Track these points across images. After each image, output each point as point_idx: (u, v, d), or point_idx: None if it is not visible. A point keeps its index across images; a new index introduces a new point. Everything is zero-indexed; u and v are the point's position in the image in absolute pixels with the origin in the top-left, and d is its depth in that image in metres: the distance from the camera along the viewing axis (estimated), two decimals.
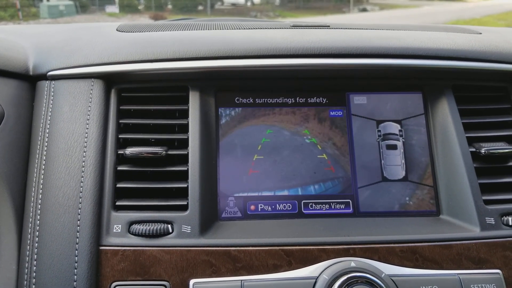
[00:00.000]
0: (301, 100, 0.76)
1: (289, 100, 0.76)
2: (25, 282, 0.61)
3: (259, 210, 0.70)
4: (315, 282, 0.59)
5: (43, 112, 0.69)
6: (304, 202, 0.71)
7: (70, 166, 0.65)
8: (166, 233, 0.63)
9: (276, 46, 0.72)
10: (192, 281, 0.60)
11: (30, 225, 0.63)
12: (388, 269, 0.61)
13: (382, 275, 0.59)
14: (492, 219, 0.66)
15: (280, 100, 0.75)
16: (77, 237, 0.61)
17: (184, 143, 0.70)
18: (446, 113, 0.74)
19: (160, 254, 0.62)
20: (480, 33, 0.90)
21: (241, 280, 0.60)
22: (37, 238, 0.62)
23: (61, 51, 0.74)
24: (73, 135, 0.67)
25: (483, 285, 0.61)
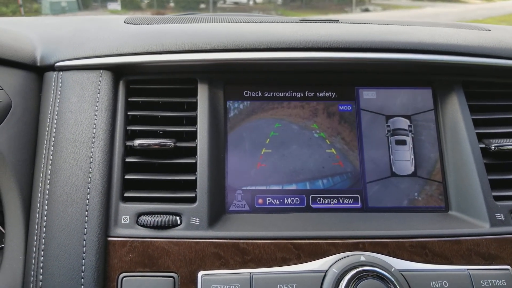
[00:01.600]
0: (310, 94, 0.75)
1: (298, 94, 0.75)
2: (33, 272, 0.60)
3: (267, 203, 0.70)
4: (325, 276, 0.59)
5: (51, 103, 0.69)
6: (312, 197, 0.70)
7: (78, 157, 0.65)
8: (174, 225, 0.63)
9: (285, 39, 0.72)
10: (200, 273, 0.60)
11: (37, 215, 0.63)
12: (398, 263, 0.61)
13: (392, 270, 0.59)
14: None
15: (288, 94, 0.75)
16: (85, 228, 0.61)
17: (193, 136, 0.70)
18: (456, 109, 0.73)
19: (169, 246, 0.61)
20: (490, 30, 0.90)
21: (250, 273, 0.60)
22: (44, 229, 0.62)
23: (69, 42, 0.74)
24: (81, 126, 0.67)
25: (493, 281, 0.60)
